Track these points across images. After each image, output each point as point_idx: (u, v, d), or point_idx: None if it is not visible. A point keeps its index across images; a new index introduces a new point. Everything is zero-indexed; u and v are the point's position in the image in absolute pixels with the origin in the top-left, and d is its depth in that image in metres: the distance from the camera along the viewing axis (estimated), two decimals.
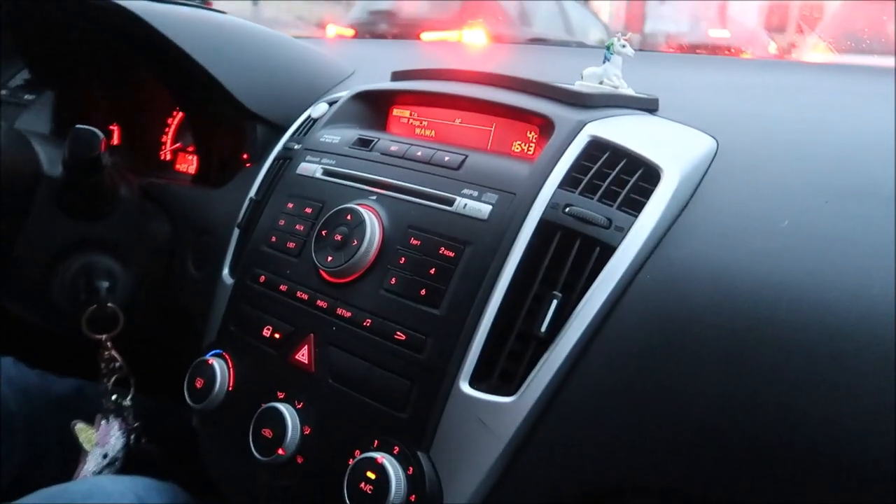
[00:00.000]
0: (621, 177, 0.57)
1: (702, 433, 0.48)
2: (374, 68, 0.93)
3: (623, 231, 0.54)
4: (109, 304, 0.81)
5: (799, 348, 0.45)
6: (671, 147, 0.59)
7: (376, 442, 0.57)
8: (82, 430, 0.81)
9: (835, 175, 0.55)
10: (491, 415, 0.53)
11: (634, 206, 0.55)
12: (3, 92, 1.12)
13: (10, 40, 0.96)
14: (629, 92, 0.68)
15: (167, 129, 1.03)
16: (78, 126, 0.72)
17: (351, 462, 0.55)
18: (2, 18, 0.55)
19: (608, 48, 0.68)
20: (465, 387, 0.54)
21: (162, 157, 1.03)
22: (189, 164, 1.00)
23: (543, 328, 0.53)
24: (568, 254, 0.54)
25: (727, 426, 0.47)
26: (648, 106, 0.69)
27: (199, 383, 0.68)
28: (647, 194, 0.55)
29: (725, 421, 0.47)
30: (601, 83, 0.67)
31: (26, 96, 1.10)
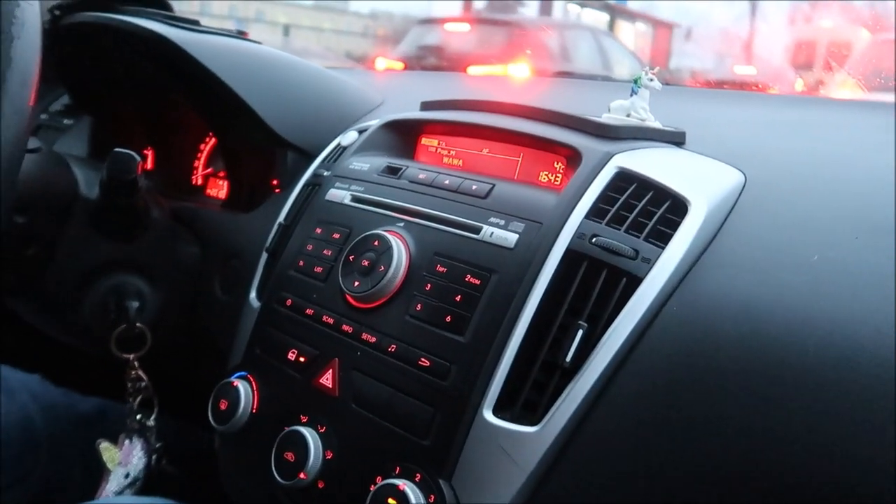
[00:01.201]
0: (648, 208, 0.57)
1: (728, 469, 0.47)
2: (402, 98, 0.95)
3: (650, 262, 0.54)
4: (138, 325, 0.82)
5: (829, 385, 0.44)
6: (698, 180, 0.59)
7: (398, 468, 0.56)
8: (106, 450, 0.82)
9: (865, 210, 0.54)
10: (514, 444, 0.53)
11: (661, 237, 0.55)
12: (44, 116, 1.15)
13: (53, 67, 0.99)
14: (656, 125, 0.69)
15: (199, 155, 1.05)
16: (116, 149, 0.74)
17: (372, 488, 0.55)
18: (46, 48, 0.57)
19: (636, 81, 0.68)
20: (488, 415, 0.54)
21: (193, 182, 1.05)
22: (219, 190, 1.02)
23: (568, 358, 0.53)
24: (594, 284, 0.54)
25: (754, 462, 0.46)
26: (675, 139, 0.69)
27: (223, 405, 0.68)
28: (674, 226, 0.55)
29: (752, 457, 0.46)
30: (628, 116, 0.68)
31: (65, 121, 1.13)
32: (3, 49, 0.54)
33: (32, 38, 0.56)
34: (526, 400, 0.54)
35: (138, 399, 0.84)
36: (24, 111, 0.55)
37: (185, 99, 0.97)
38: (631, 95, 0.68)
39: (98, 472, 0.82)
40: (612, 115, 0.68)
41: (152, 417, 0.84)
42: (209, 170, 1.04)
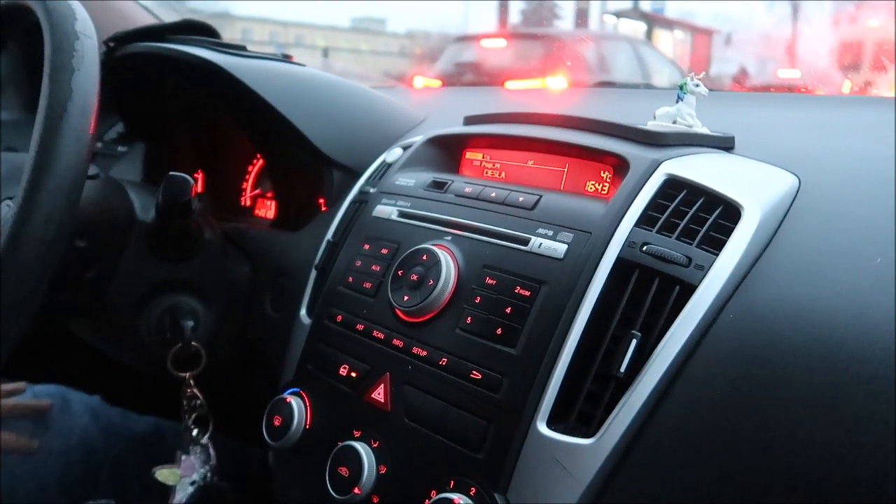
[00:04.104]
0: (699, 215, 0.56)
1: (793, 482, 0.45)
2: (445, 114, 0.95)
3: (703, 269, 0.53)
4: (193, 343, 0.84)
5: None
6: (751, 184, 0.58)
7: (452, 482, 0.56)
8: (163, 474, 0.83)
9: None
10: (569, 457, 0.52)
11: (714, 244, 0.54)
12: (99, 145, 1.20)
13: (108, 97, 1.03)
14: (704, 130, 0.68)
15: (247, 177, 1.07)
16: (171, 173, 0.76)
17: (427, 503, 0.55)
18: (101, 78, 0.60)
19: (681, 87, 0.67)
20: (542, 427, 0.54)
21: (242, 203, 1.07)
22: (268, 210, 1.04)
23: (622, 369, 0.52)
24: (646, 293, 0.54)
25: (820, 475, 0.44)
26: (724, 144, 0.68)
27: (276, 421, 0.69)
28: (727, 232, 0.54)
29: (818, 470, 0.44)
30: (675, 122, 0.67)
31: (119, 148, 1.18)
32: (65, 81, 0.57)
33: (91, 70, 0.59)
34: (580, 412, 0.53)
35: (193, 416, 0.85)
36: (84, 139, 0.57)
37: (231, 122, 1.00)
38: (676, 102, 0.68)
39: (153, 493, 0.83)
40: (658, 122, 0.68)
41: (207, 435, 0.85)
42: (257, 191, 1.06)
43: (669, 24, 10.01)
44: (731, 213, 0.55)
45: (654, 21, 9.80)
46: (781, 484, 0.46)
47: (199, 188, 1.13)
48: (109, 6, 1.19)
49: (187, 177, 0.76)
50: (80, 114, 0.57)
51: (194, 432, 0.84)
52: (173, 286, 0.85)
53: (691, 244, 0.54)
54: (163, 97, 1.03)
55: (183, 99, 1.03)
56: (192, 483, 0.81)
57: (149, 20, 1.23)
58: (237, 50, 0.91)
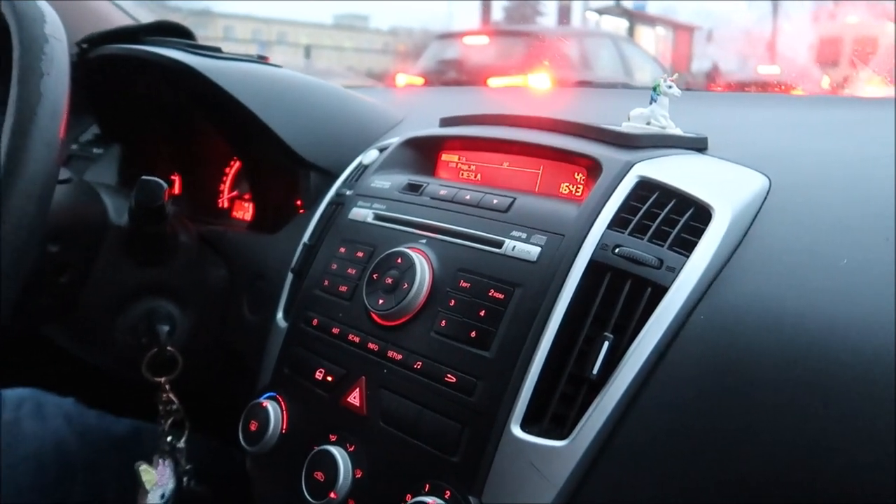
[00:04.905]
0: (671, 217, 0.56)
1: (761, 480, 0.46)
2: (423, 115, 0.95)
3: (675, 271, 0.53)
4: (169, 348, 0.84)
5: (863, 393, 0.43)
6: (722, 185, 0.59)
7: (427, 486, 0.56)
8: (145, 472, 0.83)
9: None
10: (543, 459, 0.52)
11: (686, 245, 0.54)
12: (74, 147, 1.18)
13: (82, 99, 1.02)
14: (677, 132, 0.68)
15: (225, 178, 1.07)
16: (143, 177, 0.75)
17: None
18: (74, 80, 0.59)
19: (654, 89, 0.68)
20: (516, 430, 0.54)
21: (220, 205, 1.07)
22: (245, 212, 1.03)
23: (595, 370, 0.52)
24: (619, 295, 0.54)
25: (788, 474, 0.45)
26: (697, 145, 0.68)
27: (253, 426, 0.69)
28: (698, 234, 0.55)
29: (786, 468, 0.45)
30: (648, 124, 0.68)
31: (95, 150, 1.16)
32: (34, 85, 0.56)
33: (61, 74, 0.58)
34: (554, 414, 0.54)
35: (170, 421, 0.85)
36: (54, 144, 0.56)
37: (208, 124, 0.99)
38: (650, 103, 0.68)
39: (132, 494, 0.83)
40: (632, 123, 0.68)
41: (183, 440, 0.85)
42: (235, 193, 1.05)
43: (651, 21, 10.06)
44: (701, 214, 0.56)
45: (636, 18, 9.85)
46: (751, 483, 0.46)
47: (177, 190, 1.12)
48: (84, 7, 1.17)
49: (160, 181, 0.75)
50: (50, 118, 0.56)
51: (169, 439, 0.84)
52: (149, 290, 0.84)
53: (663, 246, 0.55)
54: (137, 99, 1.02)
55: (158, 101, 1.02)
56: (162, 496, 0.80)
57: (125, 21, 1.22)
58: (211, 51, 0.90)
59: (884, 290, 0.47)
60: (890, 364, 0.43)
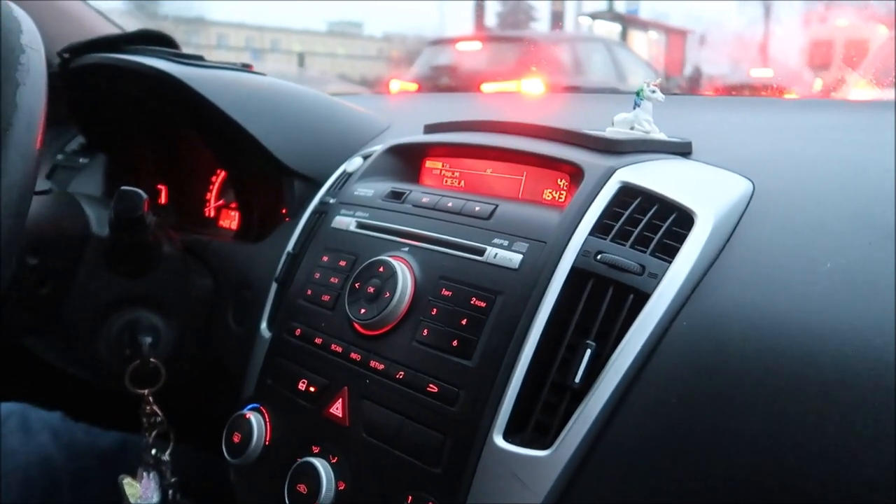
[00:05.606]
0: (654, 222, 0.56)
1: (743, 484, 0.45)
2: (409, 122, 0.95)
3: (657, 277, 0.52)
4: (152, 360, 0.83)
5: (844, 397, 0.43)
6: (704, 191, 0.58)
7: (410, 497, 0.55)
8: (129, 485, 0.82)
9: (879, 215, 0.53)
10: (526, 469, 0.52)
11: (668, 251, 0.54)
12: (60, 156, 1.18)
13: (66, 109, 1.01)
14: (661, 136, 0.68)
15: (211, 188, 1.06)
16: (123, 188, 0.75)
17: None
18: (56, 90, 0.59)
19: (638, 94, 0.67)
20: (499, 440, 0.53)
21: (206, 214, 1.06)
22: (231, 221, 1.02)
23: (578, 378, 0.52)
24: (601, 302, 0.53)
25: (769, 477, 0.44)
26: (681, 150, 0.68)
27: (236, 438, 0.68)
28: (680, 239, 0.54)
29: (767, 472, 0.44)
30: (632, 129, 0.67)
31: (80, 160, 1.15)
32: (10, 95, 0.55)
33: (38, 84, 0.57)
34: (537, 423, 0.53)
35: (154, 434, 0.84)
36: (30, 155, 0.55)
37: (192, 133, 0.98)
38: (634, 108, 0.68)
39: None
40: (616, 128, 0.68)
41: (167, 452, 0.84)
42: (221, 201, 1.05)
43: (644, 26, 10.09)
44: (684, 220, 0.55)
45: (628, 22, 9.88)
46: (735, 489, 0.46)
47: (163, 200, 1.11)
48: (67, 16, 1.17)
49: (139, 191, 0.74)
50: (26, 129, 0.55)
51: (153, 451, 0.83)
52: (132, 301, 0.84)
53: (645, 252, 0.54)
54: (121, 108, 1.02)
55: (142, 110, 1.01)
56: None
57: (109, 29, 1.21)
58: (194, 60, 0.89)
59: (866, 294, 0.46)
60: (871, 368, 0.42)
